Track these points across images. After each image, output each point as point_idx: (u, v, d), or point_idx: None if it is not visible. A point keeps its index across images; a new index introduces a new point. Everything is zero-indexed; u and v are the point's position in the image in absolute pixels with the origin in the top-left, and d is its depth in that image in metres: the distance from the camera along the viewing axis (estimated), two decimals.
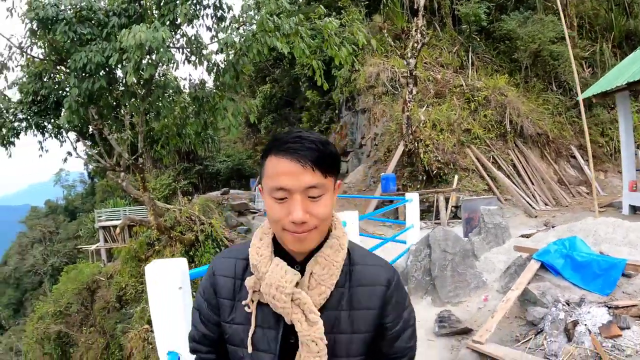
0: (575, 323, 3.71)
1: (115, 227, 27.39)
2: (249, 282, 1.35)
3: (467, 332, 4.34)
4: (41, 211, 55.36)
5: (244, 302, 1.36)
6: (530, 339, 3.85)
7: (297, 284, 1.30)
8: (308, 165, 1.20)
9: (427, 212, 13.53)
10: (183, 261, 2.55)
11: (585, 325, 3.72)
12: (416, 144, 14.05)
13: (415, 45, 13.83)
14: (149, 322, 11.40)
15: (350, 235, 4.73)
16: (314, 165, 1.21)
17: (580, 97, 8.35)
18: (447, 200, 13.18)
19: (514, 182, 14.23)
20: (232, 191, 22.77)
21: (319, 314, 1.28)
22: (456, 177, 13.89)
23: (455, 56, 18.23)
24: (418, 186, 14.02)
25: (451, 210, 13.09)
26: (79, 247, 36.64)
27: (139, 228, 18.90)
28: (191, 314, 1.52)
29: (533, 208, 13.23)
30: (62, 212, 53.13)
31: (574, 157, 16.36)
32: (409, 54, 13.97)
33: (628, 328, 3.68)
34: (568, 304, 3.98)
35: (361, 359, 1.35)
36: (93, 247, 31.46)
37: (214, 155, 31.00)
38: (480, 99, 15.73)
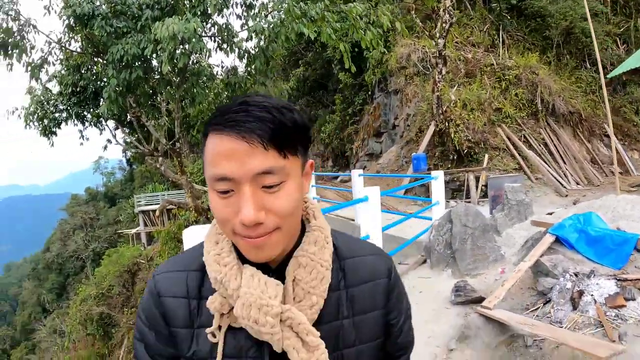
0: (581, 293, 3.93)
1: (154, 211, 28.23)
2: (213, 304, 1.01)
3: (481, 300, 4.58)
4: (81, 198, 56.52)
5: (207, 330, 1.03)
6: (539, 307, 4.10)
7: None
8: (257, 143, 0.88)
9: (458, 191, 13.75)
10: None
11: (592, 295, 3.93)
12: (447, 124, 14.16)
13: (444, 25, 13.88)
14: None
15: (371, 211, 5.04)
16: (265, 142, 0.89)
17: (603, 79, 8.30)
18: (477, 179, 13.29)
19: (545, 161, 14.22)
20: None
21: (318, 334, 0.99)
22: (486, 156, 13.96)
23: (486, 35, 18.13)
24: (449, 165, 14.18)
25: (481, 189, 13.20)
26: (119, 231, 37.66)
27: (178, 211, 19.51)
28: (133, 346, 1.16)
29: (564, 187, 13.24)
30: (102, 199, 54.24)
31: (608, 135, 16.19)
32: (437, 35, 14.04)
33: (633, 299, 3.87)
34: (576, 275, 4.20)
35: None
36: (133, 231, 32.40)
37: None
38: (511, 77, 15.69)
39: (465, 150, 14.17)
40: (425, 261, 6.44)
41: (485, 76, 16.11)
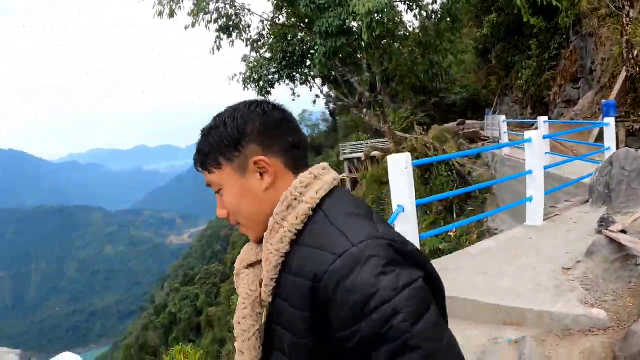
0: None
1: (358, 158, 30.32)
2: None
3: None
4: None
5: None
6: None
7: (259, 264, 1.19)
8: (197, 168, 1.20)
9: None
10: (408, 155, 4.28)
11: None
12: (638, 69, 13.59)
13: None
14: None
15: (535, 152, 6.22)
16: (198, 167, 1.19)
17: None
18: None
19: None
20: (467, 122, 23.31)
21: (245, 303, 1.17)
22: None
23: None
24: None
25: None
26: None
27: (381, 157, 21.27)
28: None
29: None
30: (308, 148, 58.14)
31: None
32: None
33: None
34: None
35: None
36: (339, 177, 34.91)
37: (449, 88, 31.26)
38: None
39: None
40: (588, 200, 7.26)
41: None
